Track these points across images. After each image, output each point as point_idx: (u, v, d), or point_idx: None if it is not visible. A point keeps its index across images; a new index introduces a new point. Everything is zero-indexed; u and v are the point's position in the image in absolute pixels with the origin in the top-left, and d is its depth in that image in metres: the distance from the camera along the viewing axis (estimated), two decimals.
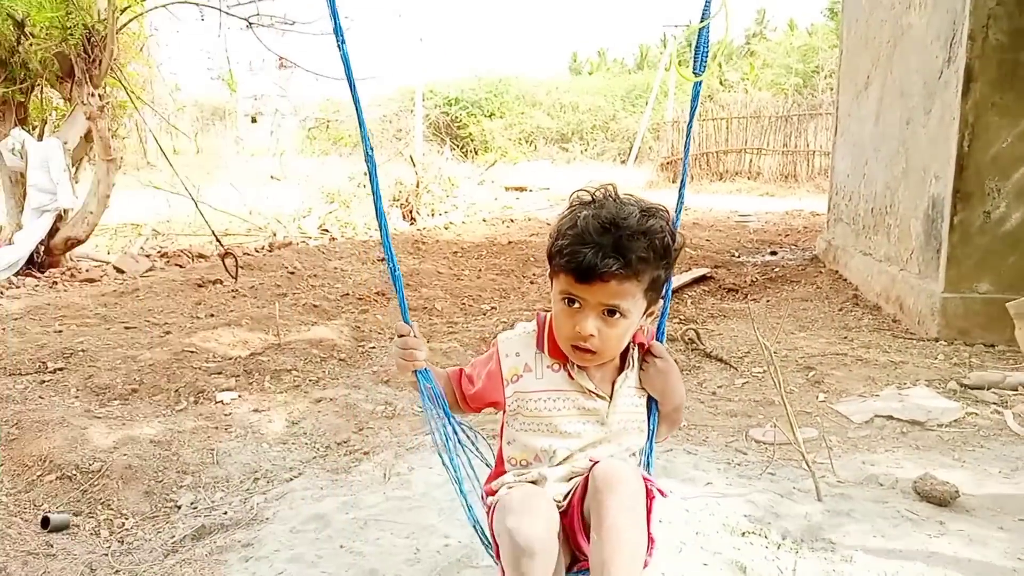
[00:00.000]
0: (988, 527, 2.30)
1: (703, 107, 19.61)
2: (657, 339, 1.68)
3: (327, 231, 10.59)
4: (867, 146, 6.63)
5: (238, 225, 10.66)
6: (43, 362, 4.09)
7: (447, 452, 1.66)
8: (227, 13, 7.52)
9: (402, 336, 1.62)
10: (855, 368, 4.07)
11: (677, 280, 6.33)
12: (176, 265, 7.77)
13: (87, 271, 7.27)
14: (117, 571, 2.24)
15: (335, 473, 2.85)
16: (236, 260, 5.84)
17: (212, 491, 2.75)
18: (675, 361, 1.67)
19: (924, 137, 5.11)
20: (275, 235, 10.15)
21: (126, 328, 4.92)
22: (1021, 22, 4.36)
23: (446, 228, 10.95)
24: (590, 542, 1.44)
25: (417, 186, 11.96)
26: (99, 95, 6.96)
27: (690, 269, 7.02)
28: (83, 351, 4.28)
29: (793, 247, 9.00)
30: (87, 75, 6.89)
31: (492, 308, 5.82)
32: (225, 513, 2.56)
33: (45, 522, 2.45)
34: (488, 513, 1.63)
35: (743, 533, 2.27)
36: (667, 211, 1.54)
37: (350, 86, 1.50)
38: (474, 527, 1.67)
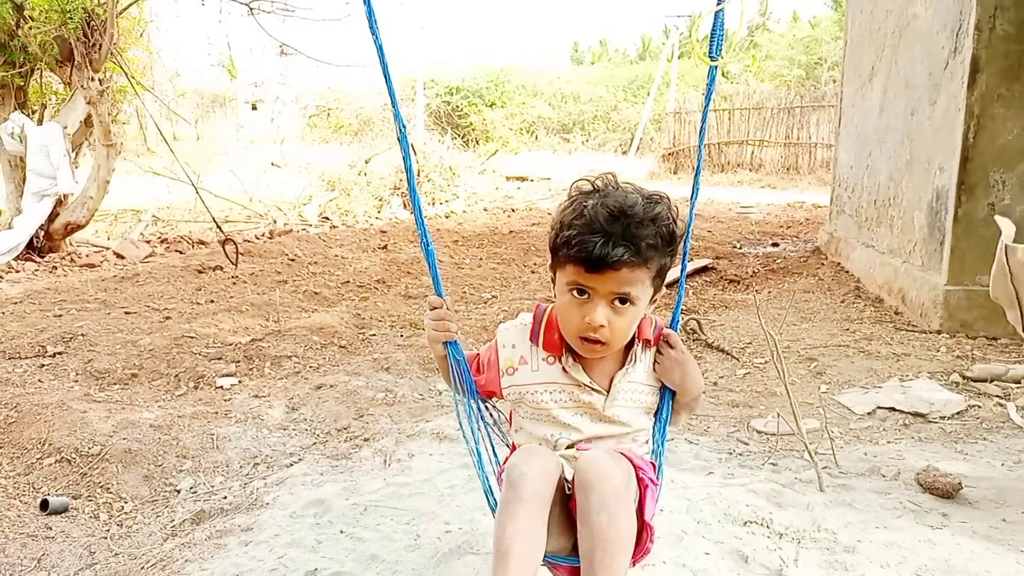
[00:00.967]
0: (991, 519, 2.29)
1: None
2: (671, 328, 1.67)
3: (327, 219, 10.56)
4: (871, 137, 6.59)
5: (238, 212, 10.63)
6: (43, 346, 4.08)
7: (469, 422, 1.68)
8: None
9: (435, 308, 1.66)
10: (857, 360, 4.06)
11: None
12: (176, 251, 7.75)
13: (87, 256, 7.25)
14: (116, 554, 2.23)
15: (335, 459, 2.84)
16: (236, 247, 5.82)
17: (212, 476, 2.74)
18: None
19: (929, 128, 5.08)
20: (275, 222, 10.11)
21: (126, 313, 4.91)
22: None
23: (447, 217, 10.93)
24: (577, 533, 1.44)
25: (418, 175, 11.92)
26: (99, 79, 6.91)
27: (691, 260, 7.01)
28: (83, 336, 4.27)
29: (795, 239, 8.97)
30: (87, 59, 6.83)
31: (493, 297, 5.80)
32: (225, 498, 2.56)
33: (44, 505, 2.44)
34: (498, 479, 1.66)
35: (745, 523, 2.26)
36: (668, 198, 1.54)
37: (385, 76, 1.54)
38: (486, 495, 1.69)
